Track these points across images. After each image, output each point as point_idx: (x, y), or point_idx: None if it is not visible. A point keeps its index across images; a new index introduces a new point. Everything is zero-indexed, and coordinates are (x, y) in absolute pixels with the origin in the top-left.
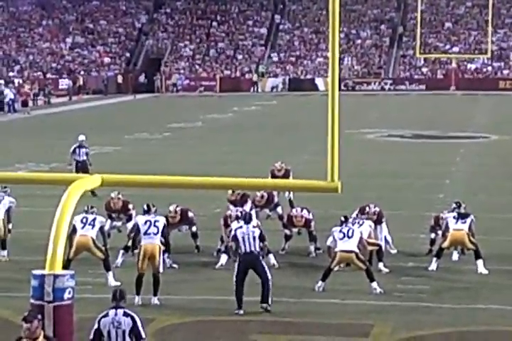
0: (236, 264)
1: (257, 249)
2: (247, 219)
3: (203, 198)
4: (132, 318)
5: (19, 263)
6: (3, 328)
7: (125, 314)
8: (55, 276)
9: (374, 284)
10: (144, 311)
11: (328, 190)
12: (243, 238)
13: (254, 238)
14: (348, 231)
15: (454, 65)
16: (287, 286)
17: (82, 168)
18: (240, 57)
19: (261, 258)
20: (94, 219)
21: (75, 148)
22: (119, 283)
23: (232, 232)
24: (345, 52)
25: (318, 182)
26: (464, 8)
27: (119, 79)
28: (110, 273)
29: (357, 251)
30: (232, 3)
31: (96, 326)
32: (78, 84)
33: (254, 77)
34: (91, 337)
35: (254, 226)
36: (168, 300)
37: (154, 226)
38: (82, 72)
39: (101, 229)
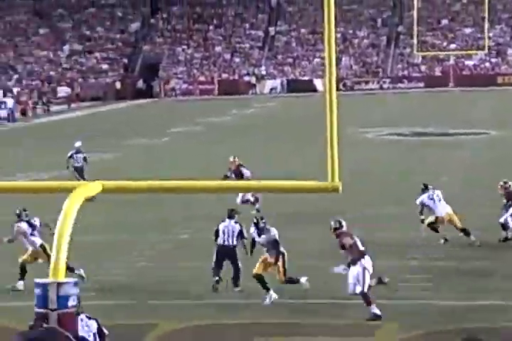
0: (214, 254)
1: (234, 242)
2: (230, 214)
3: (200, 200)
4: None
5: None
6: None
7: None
8: (59, 284)
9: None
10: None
11: (329, 190)
12: (223, 231)
13: (233, 232)
14: (433, 195)
15: (451, 61)
16: (290, 287)
17: (78, 173)
18: (237, 60)
19: (236, 251)
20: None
21: (71, 154)
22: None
23: (215, 227)
24: (342, 52)
25: (319, 183)
26: (460, 5)
27: (118, 85)
28: None
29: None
30: (229, 7)
31: None
32: (76, 91)
33: (253, 80)
34: None
35: (235, 222)
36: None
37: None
38: (80, 80)
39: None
